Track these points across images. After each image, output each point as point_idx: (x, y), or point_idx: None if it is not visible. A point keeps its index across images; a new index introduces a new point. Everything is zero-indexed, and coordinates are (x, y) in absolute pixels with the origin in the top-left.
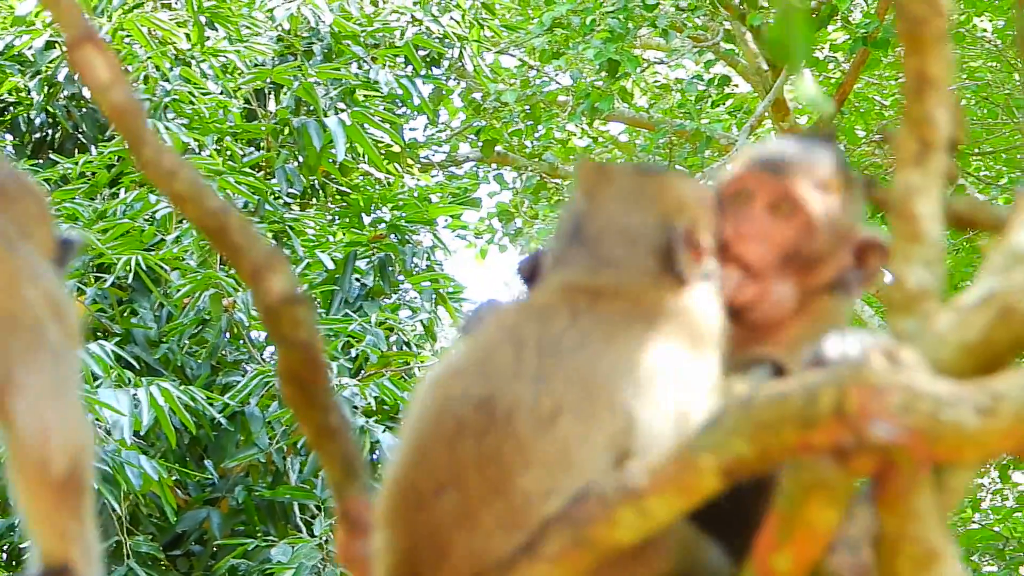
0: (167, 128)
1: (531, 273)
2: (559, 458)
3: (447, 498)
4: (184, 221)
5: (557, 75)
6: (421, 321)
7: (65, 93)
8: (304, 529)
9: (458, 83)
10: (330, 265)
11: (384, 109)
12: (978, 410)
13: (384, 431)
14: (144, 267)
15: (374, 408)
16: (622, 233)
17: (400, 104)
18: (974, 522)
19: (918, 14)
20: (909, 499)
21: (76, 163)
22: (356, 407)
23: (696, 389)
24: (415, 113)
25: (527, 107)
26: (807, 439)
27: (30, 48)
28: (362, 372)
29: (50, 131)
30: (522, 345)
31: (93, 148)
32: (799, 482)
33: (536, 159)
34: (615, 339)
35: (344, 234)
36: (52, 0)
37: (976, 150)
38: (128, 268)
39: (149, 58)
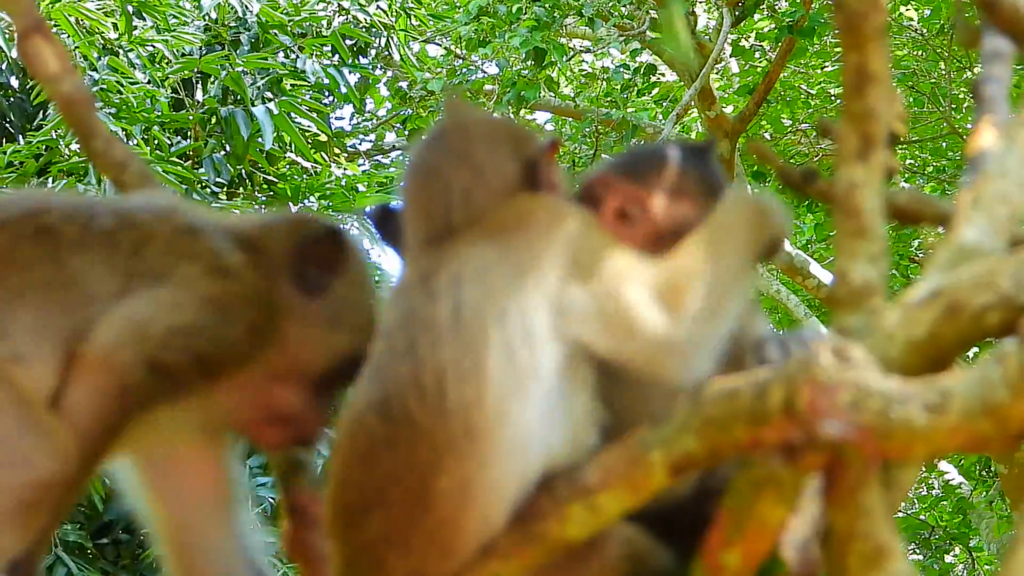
0: None
1: (383, 222)
2: (464, 437)
3: (375, 518)
4: None
5: (483, 64)
6: None
7: None
8: None
9: (385, 72)
10: None
11: (311, 98)
12: (927, 407)
13: None
14: None
15: None
16: (476, 166)
17: (327, 93)
18: (900, 511)
19: (857, 9)
20: (858, 496)
21: (4, 152)
22: None
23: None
24: (342, 102)
25: (454, 96)
26: (757, 436)
27: None
28: None
29: None
30: (390, 328)
31: (20, 138)
32: (749, 479)
33: None
34: (472, 278)
35: None
36: None
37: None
38: None
39: (76, 47)
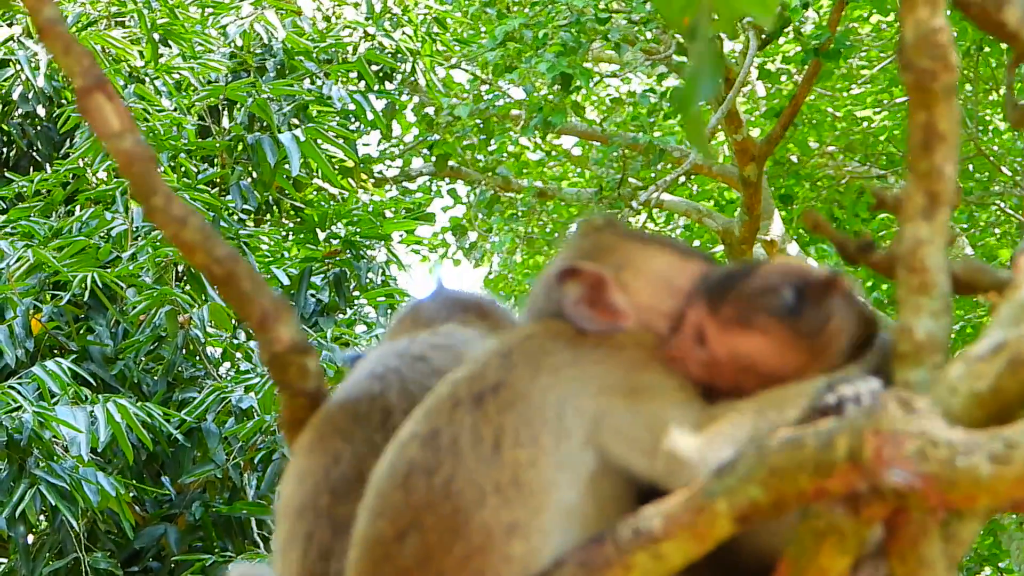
0: None
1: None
2: (512, 487)
3: (408, 543)
4: (140, 238)
5: (510, 89)
6: (376, 336)
7: (20, 111)
8: (262, 544)
9: (411, 98)
10: (285, 281)
11: (338, 124)
12: (992, 458)
13: None
14: (100, 284)
15: None
16: (546, 280)
17: (353, 119)
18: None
19: (926, 67)
20: (920, 547)
21: (31, 181)
22: None
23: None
24: (368, 128)
25: (480, 121)
26: (822, 486)
27: None
28: None
29: (4, 149)
30: (456, 382)
31: (48, 166)
32: (811, 528)
33: (489, 173)
34: (542, 369)
35: (299, 250)
36: (63, 47)
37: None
38: (84, 285)
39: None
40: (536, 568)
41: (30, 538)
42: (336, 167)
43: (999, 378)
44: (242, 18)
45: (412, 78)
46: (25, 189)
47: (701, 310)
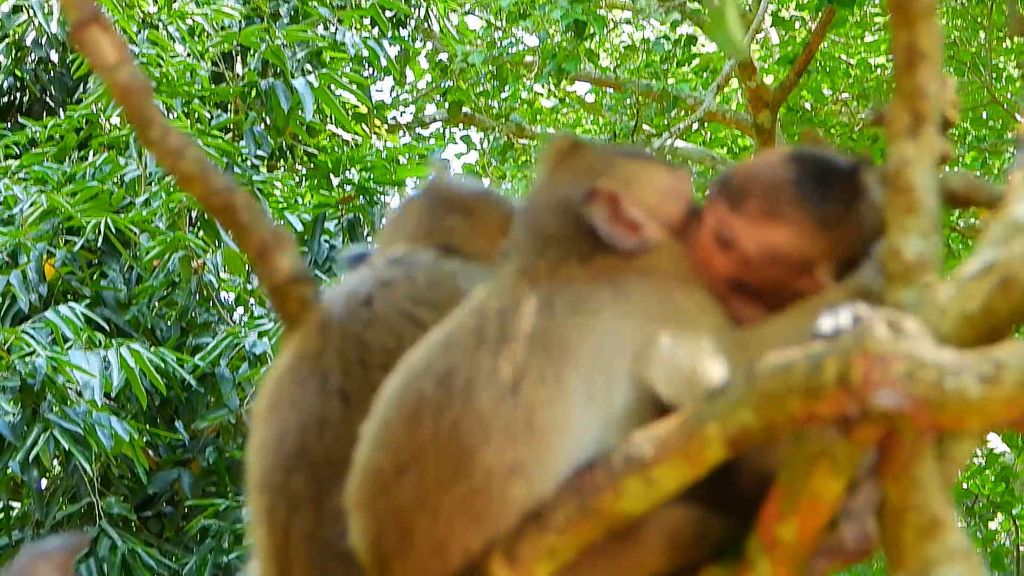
0: None
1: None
2: (523, 427)
3: (407, 480)
4: (153, 184)
5: (523, 36)
6: None
7: (33, 57)
8: None
9: (424, 44)
10: (299, 227)
11: (351, 70)
12: (981, 378)
13: None
14: (113, 230)
15: None
16: (555, 207)
17: (367, 65)
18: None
19: None
20: (912, 468)
21: (44, 126)
22: None
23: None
24: (382, 74)
25: (493, 68)
26: (812, 409)
27: None
28: None
29: (18, 94)
30: (484, 319)
31: (61, 111)
32: (803, 452)
33: (503, 120)
34: (581, 312)
35: (313, 196)
36: None
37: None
38: (97, 231)
39: (116, 22)
40: (537, 505)
41: (43, 482)
42: (350, 113)
43: (989, 298)
44: None
45: (426, 24)
46: (38, 134)
47: (722, 210)
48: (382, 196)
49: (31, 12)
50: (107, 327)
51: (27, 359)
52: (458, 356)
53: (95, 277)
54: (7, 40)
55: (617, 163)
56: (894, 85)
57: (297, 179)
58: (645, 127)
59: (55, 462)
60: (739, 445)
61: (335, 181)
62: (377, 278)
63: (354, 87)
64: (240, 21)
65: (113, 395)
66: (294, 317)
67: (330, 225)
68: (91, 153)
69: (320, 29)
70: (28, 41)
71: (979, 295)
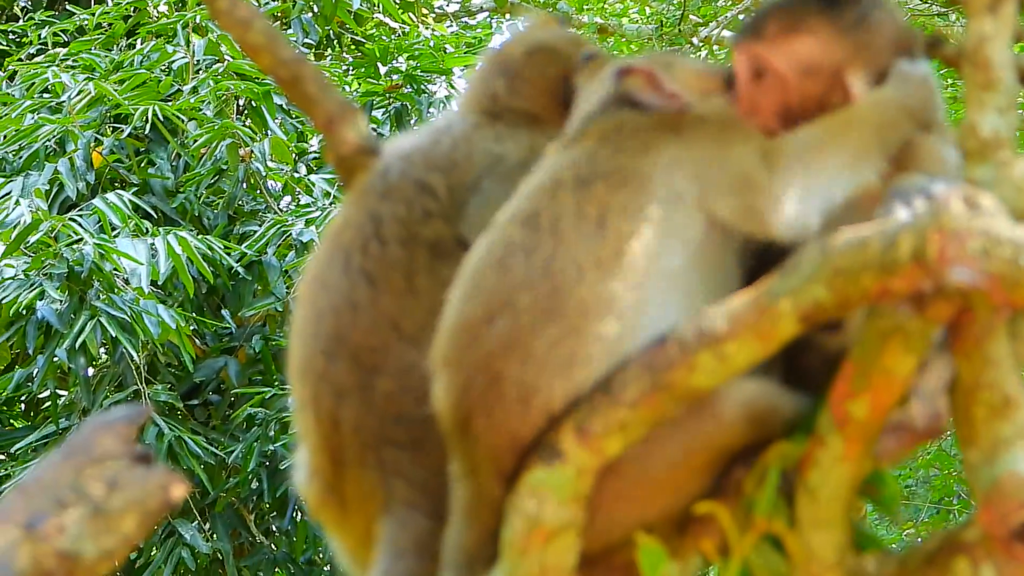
0: None
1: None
2: (613, 260)
3: (498, 325)
4: (201, 71)
5: None
6: None
7: None
8: None
9: None
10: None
11: None
12: None
13: None
14: (161, 117)
15: None
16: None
17: None
18: None
19: None
20: (985, 346)
21: (93, 14)
22: None
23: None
24: None
25: None
26: (886, 285)
27: None
28: None
29: None
30: (559, 168)
31: None
32: (877, 329)
33: (550, 9)
34: (651, 147)
35: (360, 84)
36: None
37: None
38: (145, 119)
39: None
40: (626, 351)
41: (90, 370)
42: (397, 1)
43: None
44: None
45: None
46: (86, 22)
47: (750, 45)
48: (429, 85)
49: None
50: (154, 215)
51: (74, 247)
52: (540, 200)
53: (142, 165)
54: None
55: (651, 58)
56: None
57: (344, 67)
58: (692, 16)
59: (102, 350)
60: (812, 320)
61: (382, 70)
62: (401, 149)
63: None
64: None
65: (160, 283)
66: None
67: (377, 113)
68: (139, 41)
69: None
70: None
71: None
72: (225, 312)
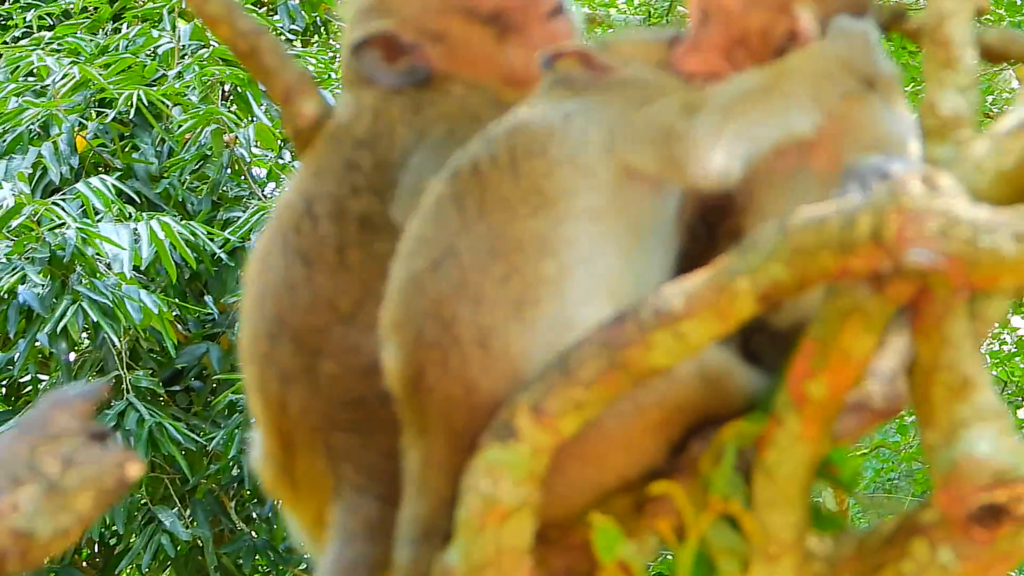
0: None
1: None
2: (534, 194)
3: (443, 269)
4: (186, 56)
5: None
6: None
7: None
8: None
9: None
10: (332, 101)
11: None
12: (1015, 236)
13: None
14: (146, 102)
15: None
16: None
17: None
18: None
19: None
20: (944, 326)
21: None
22: None
23: None
24: None
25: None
26: (844, 264)
27: None
28: None
29: None
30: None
31: None
32: (835, 308)
33: None
34: (566, 106)
35: None
36: None
37: None
38: (130, 103)
39: None
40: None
41: (72, 355)
42: None
43: None
44: None
45: None
46: (72, 6)
47: None
48: None
49: None
50: (138, 200)
51: (57, 231)
52: (473, 146)
53: (127, 149)
54: None
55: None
56: None
57: (331, 54)
58: (680, 8)
59: (83, 335)
60: (770, 299)
61: None
62: (330, 126)
63: None
64: None
65: (143, 268)
66: None
67: None
68: (125, 25)
69: None
70: None
71: (1015, 151)
72: (208, 298)
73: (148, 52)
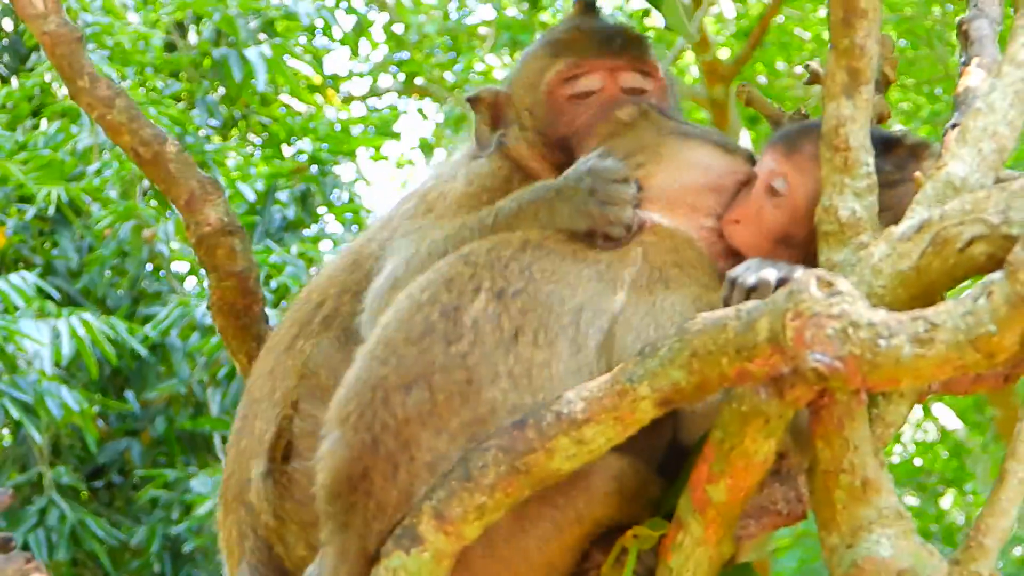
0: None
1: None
2: (524, 377)
3: (415, 394)
4: (106, 153)
5: (478, 7)
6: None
7: None
8: (224, 460)
9: (379, 15)
10: (251, 197)
11: (305, 41)
12: (914, 339)
13: None
14: (66, 199)
15: None
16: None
17: (321, 36)
18: (896, 454)
19: None
20: (845, 430)
21: None
22: None
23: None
24: (336, 45)
25: (448, 39)
26: (744, 368)
27: None
28: (283, 303)
29: None
30: (477, 264)
31: (14, 80)
32: (735, 412)
33: (457, 91)
34: (561, 282)
35: (266, 166)
36: None
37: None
38: (50, 200)
39: None
40: None
41: None
42: (303, 83)
43: (923, 257)
44: None
45: None
46: None
47: (776, 158)
48: (335, 166)
49: None
50: (58, 296)
51: None
52: (461, 297)
53: (46, 246)
54: None
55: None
56: (831, 42)
57: (250, 149)
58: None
59: (4, 431)
60: (670, 404)
61: (288, 151)
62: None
63: (308, 57)
64: None
65: (63, 364)
66: (222, 268)
67: (282, 195)
68: (44, 122)
69: None
70: None
71: (913, 254)
72: (129, 394)
73: (68, 149)
